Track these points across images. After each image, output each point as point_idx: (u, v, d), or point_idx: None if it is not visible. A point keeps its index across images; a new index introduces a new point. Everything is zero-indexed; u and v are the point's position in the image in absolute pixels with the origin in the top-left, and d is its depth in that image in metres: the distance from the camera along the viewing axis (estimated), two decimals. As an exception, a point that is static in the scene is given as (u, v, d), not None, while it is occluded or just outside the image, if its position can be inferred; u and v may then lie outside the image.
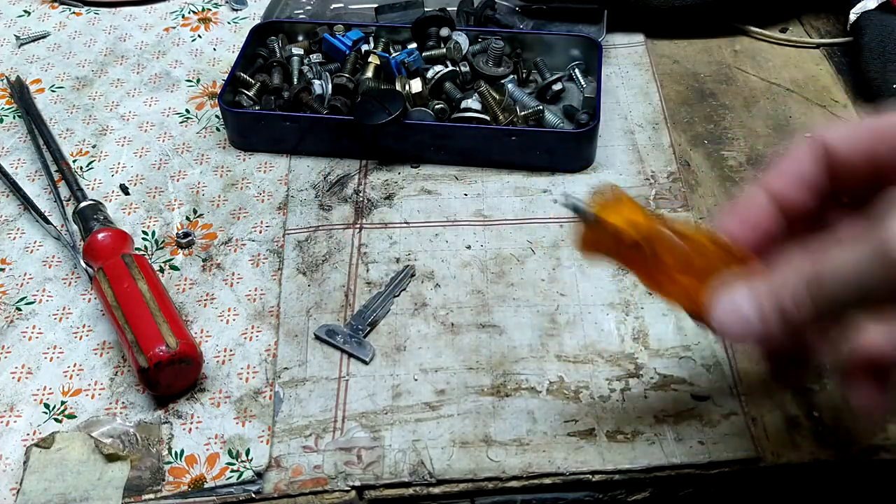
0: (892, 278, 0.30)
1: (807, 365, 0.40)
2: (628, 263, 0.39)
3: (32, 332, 0.55)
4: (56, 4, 0.84)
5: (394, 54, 0.68)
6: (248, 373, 0.52)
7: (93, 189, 0.65)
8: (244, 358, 0.53)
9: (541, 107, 0.65)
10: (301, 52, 0.71)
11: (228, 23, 0.81)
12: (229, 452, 0.48)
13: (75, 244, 0.59)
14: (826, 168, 0.39)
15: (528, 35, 0.71)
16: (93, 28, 0.81)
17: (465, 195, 0.63)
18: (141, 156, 0.67)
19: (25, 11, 0.83)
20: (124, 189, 0.65)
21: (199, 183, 0.65)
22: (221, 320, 0.55)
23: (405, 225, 0.60)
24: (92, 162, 0.67)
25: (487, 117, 0.64)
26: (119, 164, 0.67)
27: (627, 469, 0.46)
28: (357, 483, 0.46)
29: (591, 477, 0.46)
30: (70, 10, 0.83)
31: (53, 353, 0.54)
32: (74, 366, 0.53)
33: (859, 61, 0.70)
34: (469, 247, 0.59)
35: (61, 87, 0.74)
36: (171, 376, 0.49)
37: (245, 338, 0.54)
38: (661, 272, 0.37)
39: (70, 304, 0.57)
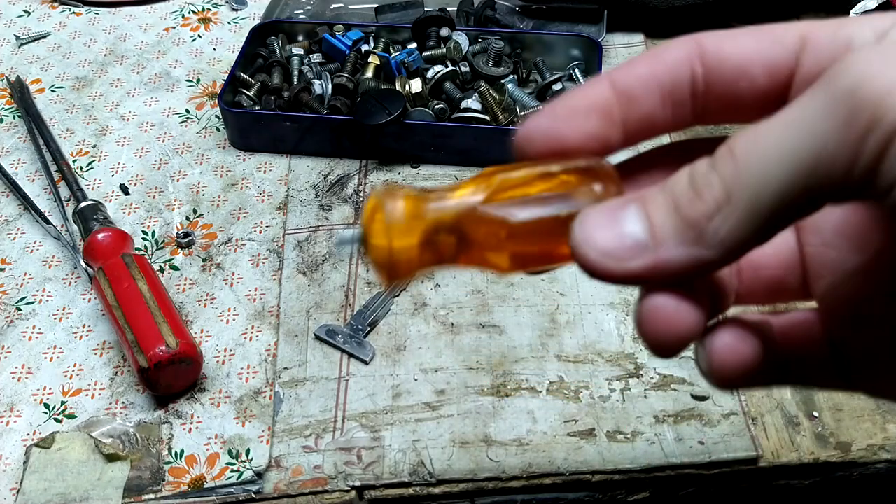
0: (858, 143, 0.19)
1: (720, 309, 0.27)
2: (459, 261, 0.27)
3: (32, 332, 0.55)
4: (56, 4, 0.84)
5: (394, 54, 0.68)
6: (248, 373, 0.52)
7: (93, 189, 0.65)
8: (244, 358, 0.53)
9: (541, 107, 0.65)
10: (301, 52, 0.71)
11: (228, 23, 0.81)
12: (229, 452, 0.48)
13: (75, 244, 0.59)
14: (702, 72, 0.27)
15: (528, 35, 0.71)
16: (93, 28, 0.81)
17: (465, 195, 0.63)
18: (141, 156, 0.67)
19: (25, 11, 0.83)
20: (124, 189, 0.64)
21: (199, 183, 0.65)
22: (221, 320, 0.55)
23: (405, 225, 0.60)
24: (92, 162, 0.67)
25: (487, 117, 0.64)
26: (119, 164, 0.67)
27: (627, 469, 0.46)
28: (357, 483, 0.46)
29: (591, 477, 0.46)
30: (70, 10, 0.83)
31: (53, 353, 0.54)
32: (74, 366, 0.53)
33: (859, 61, 0.70)
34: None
35: (61, 87, 0.74)
36: (171, 376, 0.49)
37: (245, 338, 0.54)
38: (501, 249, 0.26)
39: (70, 304, 0.57)
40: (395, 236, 0.25)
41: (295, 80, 0.69)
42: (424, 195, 0.25)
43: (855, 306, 0.26)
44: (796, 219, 0.21)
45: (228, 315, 0.55)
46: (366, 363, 0.52)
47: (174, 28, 0.81)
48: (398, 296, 0.56)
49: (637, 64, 0.26)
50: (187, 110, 0.71)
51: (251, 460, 0.48)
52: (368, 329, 0.54)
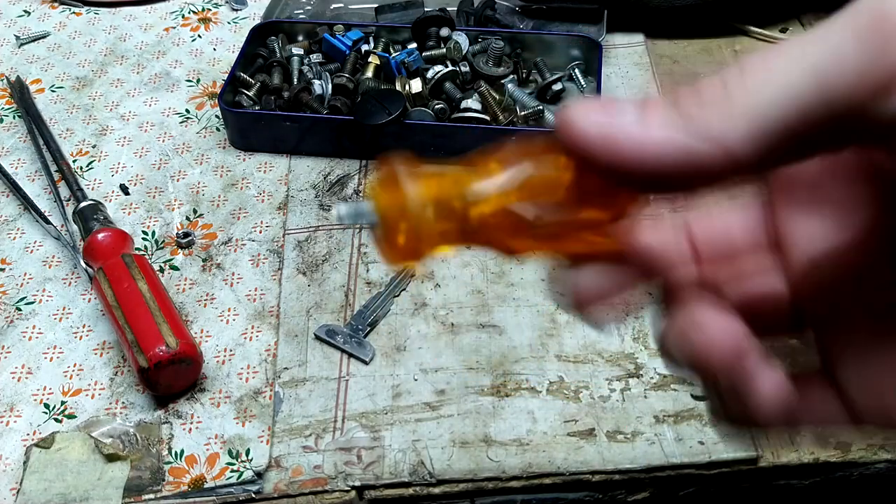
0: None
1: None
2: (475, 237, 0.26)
3: (32, 332, 0.55)
4: (56, 4, 0.84)
5: (394, 54, 0.68)
6: (248, 373, 0.52)
7: (93, 189, 0.65)
8: (244, 358, 0.53)
9: (541, 107, 0.65)
10: (301, 52, 0.71)
11: (228, 23, 0.81)
12: (229, 452, 0.48)
13: (75, 244, 0.59)
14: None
15: (528, 35, 0.71)
16: (93, 28, 0.81)
17: (465, 195, 0.63)
18: (141, 156, 0.67)
19: (25, 11, 0.83)
20: (124, 189, 0.64)
21: (199, 183, 0.65)
22: (221, 320, 0.55)
23: (405, 225, 0.60)
24: (92, 162, 0.67)
25: (487, 117, 0.64)
26: (119, 164, 0.67)
27: (627, 469, 0.46)
28: (357, 483, 0.46)
29: (591, 477, 0.46)
30: (70, 10, 0.83)
31: (53, 353, 0.54)
32: (74, 366, 0.53)
33: (859, 61, 0.70)
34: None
35: (61, 87, 0.74)
36: (171, 376, 0.49)
37: (245, 338, 0.54)
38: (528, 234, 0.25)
39: (70, 304, 0.57)
40: (419, 237, 0.24)
41: (295, 80, 0.69)
42: (449, 182, 0.24)
43: (837, 287, 0.24)
44: (801, 146, 0.19)
45: (228, 315, 0.55)
46: (366, 363, 0.52)
47: (174, 28, 0.81)
48: (398, 296, 0.56)
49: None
50: (187, 110, 0.71)
51: (251, 460, 0.48)
52: (368, 329, 0.54)
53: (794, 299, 0.26)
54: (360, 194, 0.63)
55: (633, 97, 0.30)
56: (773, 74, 0.19)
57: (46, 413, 0.51)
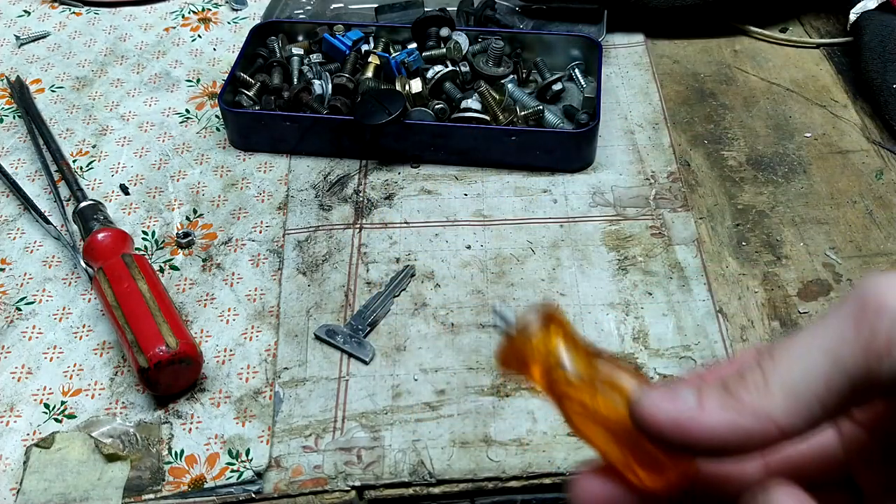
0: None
1: None
2: (551, 395, 0.29)
3: (32, 332, 0.55)
4: (56, 4, 0.84)
5: (394, 54, 0.68)
6: (248, 373, 0.52)
7: (93, 189, 0.65)
8: (244, 358, 0.53)
9: (541, 107, 0.65)
10: (301, 52, 0.71)
11: (228, 23, 0.81)
12: (229, 452, 0.48)
13: (75, 244, 0.59)
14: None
15: (528, 35, 0.71)
16: (93, 28, 0.81)
17: (465, 195, 0.63)
18: (141, 156, 0.67)
19: (25, 11, 0.83)
20: (124, 189, 0.64)
21: (199, 183, 0.65)
22: (221, 320, 0.55)
23: (405, 225, 0.60)
24: (92, 162, 0.67)
25: (487, 117, 0.64)
26: (119, 164, 0.67)
27: (627, 469, 0.46)
28: (357, 483, 0.46)
29: (591, 477, 0.46)
30: (70, 10, 0.83)
31: (53, 353, 0.54)
32: (74, 366, 0.53)
33: (859, 61, 0.70)
34: (469, 247, 0.59)
35: (61, 87, 0.74)
36: (171, 376, 0.49)
37: (245, 338, 0.54)
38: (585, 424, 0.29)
39: (70, 304, 0.57)
40: (530, 371, 0.28)
41: (295, 80, 0.69)
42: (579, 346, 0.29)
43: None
44: (833, 410, 0.24)
45: (228, 315, 0.55)
46: (366, 363, 0.52)
47: (174, 28, 0.81)
48: (398, 296, 0.56)
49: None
50: (187, 110, 0.71)
51: (251, 460, 0.48)
52: (368, 329, 0.54)
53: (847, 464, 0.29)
54: (360, 194, 0.63)
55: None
56: (796, 359, 0.24)
57: (46, 413, 0.51)
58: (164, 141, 0.69)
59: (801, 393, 0.24)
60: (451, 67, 0.67)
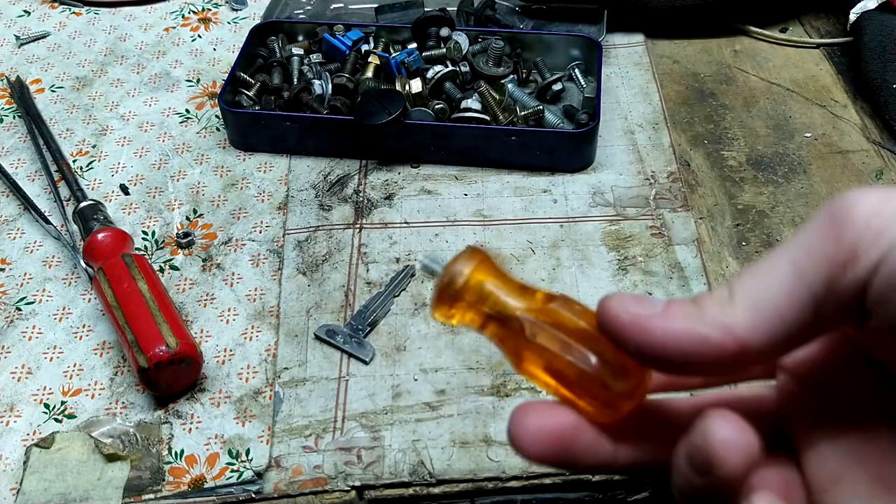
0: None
1: None
2: (494, 337, 0.29)
3: (32, 332, 0.55)
4: (56, 4, 0.84)
5: (394, 54, 0.68)
6: (248, 373, 0.52)
7: (93, 189, 0.65)
8: (244, 358, 0.53)
9: (541, 107, 0.65)
10: (301, 52, 0.71)
11: (228, 23, 0.81)
12: (229, 452, 0.48)
13: (75, 244, 0.59)
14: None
15: (528, 35, 0.71)
16: (93, 28, 0.81)
17: (465, 195, 0.63)
18: (141, 156, 0.67)
19: (25, 11, 0.83)
20: (124, 189, 0.64)
21: (199, 183, 0.65)
22: (221, 320, 0.55)
23: (405, 225, 0.60)
24: (92, 162, 0.67)
25: (487, 117, 0.64)
26: (119, 164, 0.67)
27: (627, 469, 0.46)
28: (357, 483, 0.46)
29: (591, 477, 0.46)
30: (70, 10, 0.83)
31: (53, 353, 0.54)
32: (74, 366, 0.53)
33: (859, 61, 0.70)
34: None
35: (61, 87, 0.74)
36: (171, 376, 0.49)
37: (245, 338, 0.54)
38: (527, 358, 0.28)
39: (70, 304, 0.57)
40: (462, 308, 0.28)
41: (295, 80, 0.69)
42: (501, 283, 0.28)
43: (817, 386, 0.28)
44: (794, 329, 0.23)
45: (228, 315, 0.55)
46: (366, 363, 0.52)
47: (174, 28, 0.81)
48: (398, 295, 0.56)
49: None
50: (187, 110, 0.71)
51: (251, 460, 0.48)
52: (368, 329, 0.54)
53: (780, 407, 0.29)
54: (360, 194, 0.63)
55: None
56: (762, 274, 0.24)
57: (46, 413, 0.51)
58: (164, 141, 0.69)
59: (763, 306, 0.23)
60: (451, 67, 0.67)
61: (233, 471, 0.47)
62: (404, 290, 0.56)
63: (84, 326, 0.55)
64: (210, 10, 0.83)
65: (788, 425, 0.29)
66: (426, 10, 0.73)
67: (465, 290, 0.28)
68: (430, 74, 0.66)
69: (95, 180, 0.65)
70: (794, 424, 0.28)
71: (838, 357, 0.27)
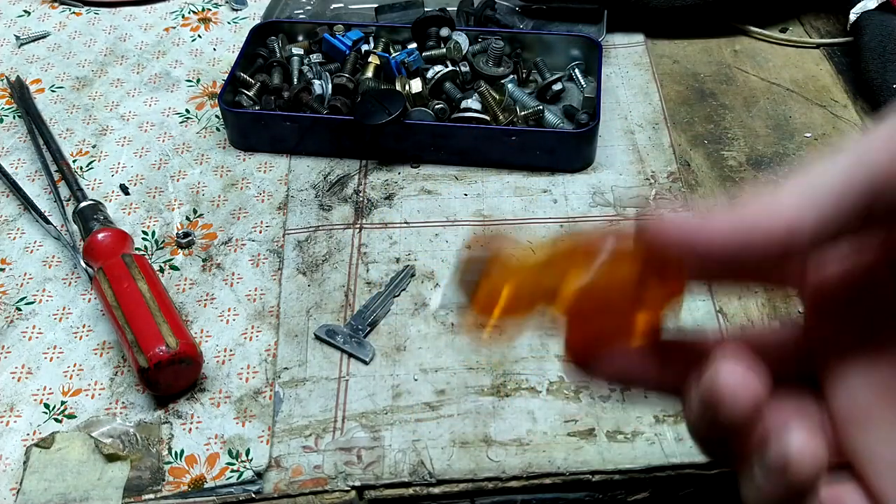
0: None
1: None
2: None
3: (32, 332, 0.55)
4: (56, 4, 0.84)
5: (394, 54, 0.68)
6: (248, 373, 0.52)
7: (93, 189, 0.65)
8: (244, 358, 0.53)
9: (541, 107, 0.65)
10: (301, 52, 0.71)
11: (228, 23, 0.81)
12: (229, 452, 0.48)
13: (75, 244, 0.59)
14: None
15: (528, 35, 0.71)
16: (93, 28, 0.81)
17: (465, 195, 0.63)
18: (141, 156, 0.67)
19: (25, 11, 0.83)
20: (124, 189, 0.64)
21: (199, 183, 0.65)
22: (221, 320, 0.55)
23: (405, 225, 0.60)
24: (92, 162, 0.67)
25: (487, 117, 0.64)
26: (119, 164, 0.67)
27: (627, 469, 0.46)
28: (357, 483, 0.46)
29: (591, 477, 0.46)
30: (70, 10, 0.83)
31: (53, 353, 0.54)
32: (74, 366, 0.53)
33: (859, 61, 0.70)
34: (469, 247, 0.59)
35: (61, 87, 0.74)
36: (171, 376, 0.49)
37: (245, 338, 0.54)
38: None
39: (70, 304, 0.56)
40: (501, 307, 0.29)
41: (295, 80, 0.69)
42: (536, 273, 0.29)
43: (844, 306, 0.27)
44: (843, 211, 0.23)
45: (228, 315, 0.55)
46: (366, 363, 0.52)
47: (174, 28, 0.81)
48: (398, 296, 0.56)
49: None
50: (187, 110, 0.71)
51: (251, 460, 0.48)
52: (368, 329, 0.54)
53: (807, 332, 0.28)
54: (360, 194, 0.63)
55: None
56: (818, 166, 0.23)
57: (46, 413, 0.51)
58: (164, 141, 0.69)
59: (817, 187, 0.23)
60: (451, 67, 0.67)
61: (233, 471, 0.47)
62: (404, 290, 0.56)
63: (84, 326, 0.55)
64: (210, 10, 0.83)
65: (815, 359, 0.28)
66: (426, 10, 0.73)
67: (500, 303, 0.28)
68: (430, 74, 0.66)
69: (95, 180, 0.65)
70: (821, 357, 0.28)
71: (873, 277, 0.27)
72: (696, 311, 0.54)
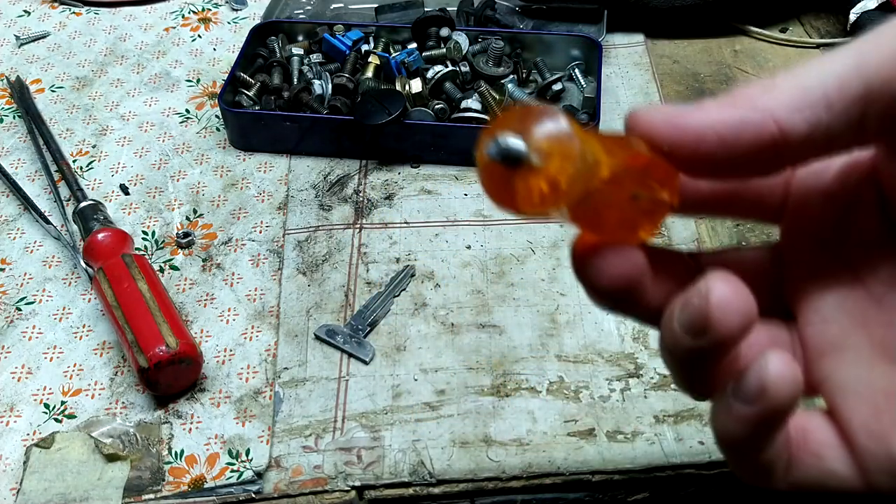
0: None
1: None
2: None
3: (32, 332, 0.55)
4: (56, 4, 0.84)
5: (394, 54, 0.68)
6: (248, 373, 0.52)
7: (93, 189, 0.65)
8: (244, 358, 0.53)
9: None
10: (301, 52, 0.71)
11: (228, 23, 0.81)
12: (229, 452, 0.48)
13: (75, 244, 0.59)
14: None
15: (528, 35, 0.71)
16: (93, 28, 0.81)
17: (465, 195, 0.63)
18: (141, 156, 0.67)
19: (25, 11, 0.83)
20: (124, 189, 0.64)
21: (199, 183, 0.65)
22: (221, 320, 0.55)
23: (405, 225, 0.60)
24: (92, 162, 0.67)
25: (487, 117, 0.64)
26: (119, 164, 0.67)
27: (627, 469, 0.46)
28: (357, 483, 0.46)
29: (591, 477, 0.46)
30: (70, 10, 0.83)
31: (53, 353, 0.54)
32: (74, 366, 0.53)
33: (859, 61, 0.70)
34: (469, 247, 0.59)
35: (61, 87, 0.74)
36: (171, 376, 0.49)
37: (245, 338, 0.54)
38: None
39: (70, 304, 0.56)
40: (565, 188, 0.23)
41: (295, 80, 0.69)
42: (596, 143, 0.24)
43: (819, 224, 0.27)
44: (836, 113, 0.22)
45: (228, 315, 0.55)
46: (366, 363, 0.52)
47: (174, 28, 0.81)
48: (398, 296, 0.56)
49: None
50: (187, 110, 0.71)
51: (251, 460, 0.48)
52: (368, 329, 0.54)
53: (782, 254, 0.28)
54: (360, 193, 0.63)
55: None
56: (816, 63, 0.22)
57: (46, 413, 0.51)
58: (164, 141, 0.69)
59: (810, 88, 0.22)
60: (451, 67, 0.67)
61: (233, 471, 0.47)
62: (404, 290, 0.56)
63: (84, 326, 0.55)
64: (210, 10, 0.83)
65: (788, 286, 0.28)
66: (426, 10, 0.73)
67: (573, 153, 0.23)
68: (430, 74, 0.66)
69: (95, 180, 0.65)
70: (794, 283, 0.27)
71: (858, 199, 0.26)
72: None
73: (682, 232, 0.59)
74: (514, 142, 0.22)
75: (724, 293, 0.23)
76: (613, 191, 0.24)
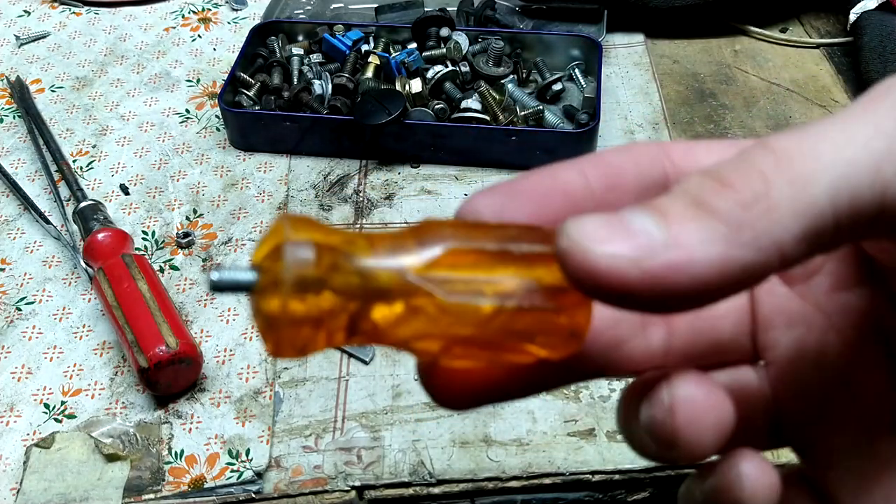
0: None
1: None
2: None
3: (32, 332, 0.55)
4: (56, 4, 0.84)
5: (394, 54, 0.68)
6: (248, 373, 0.52)
7: (93, 189, 0.65)
8: (244, 358, 0.53)
9: (541, 107, 0.65)
10: (301, 52, 0.71)
11: (228, 23, 0.81)
12: (229, 452, 0.48)
13: (75, 244, 0.59)
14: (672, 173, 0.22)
15: (528, 35, 0.71)
16: (93, 28, 0.81)
17: (465, 195, 0.63)
18: (141, 156, 0.67)
19: (25, 11, 0.83)
20: (124, 189, 0.64)
21: (199, 183, 0.65)
22: (221, 320, 0.55)
23: (405, 225, 0.60)
24: (92, 162, 0.67)
25: (487, 117, 0.64)
26: (119, 164, 0.67)
27: (627, 469, 0.46)
28: (357, 483, 0.46)
29: (591, 477, 0.46)
30: (70, 10, 0.83)
31: (53, 353, 0.54)
32: (74, 366, 0.53)
33: (859, 61, 0.70)
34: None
35: (61, 87, 0.74)
36: (171, 376, 0.49)
37: (245, 338, 0.54)
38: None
39: (70, 304, 0.56)
40: (295, 300, 0.17)
41: (295, 80, 0.69)
42: (342, 241, 0.18)
43: (821, 389, 0.22)
44: (844, 236, 0.17)
45: (228, 315, 0.55)
46: (366, 363, 0.52)
47: (174, 28, 0.81)
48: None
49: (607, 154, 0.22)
50: (187, 110, 0.71)
51: (251, 460, 0.48)
52: (368, 329, 0.54)
53: (775, 401, 0.23)
54: (360, 194, 0.63)
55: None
56: (821, 164, 0.16)
57: (46, 413, 0.51)
58: (164, 141, 0.69)
59: (818, 205, 0.16)
60: (451, 67, 0.67)
61: (233, 471, 0.47)
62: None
63: (84, 326, 0.55)
64: (210, 10, 0.83)
65: (786, 425, 0.24)
66: (426, 10, 0.73)
67: (322, 268, 0.17)
68: (430, 74, 0.66)
69: (95, 180, 0.65)
70: (794, 427, 0.24)
71: (849, 343, 0.21)
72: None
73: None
74: (225, 276, 0.18)
75: (757, 476, 0.19)
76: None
